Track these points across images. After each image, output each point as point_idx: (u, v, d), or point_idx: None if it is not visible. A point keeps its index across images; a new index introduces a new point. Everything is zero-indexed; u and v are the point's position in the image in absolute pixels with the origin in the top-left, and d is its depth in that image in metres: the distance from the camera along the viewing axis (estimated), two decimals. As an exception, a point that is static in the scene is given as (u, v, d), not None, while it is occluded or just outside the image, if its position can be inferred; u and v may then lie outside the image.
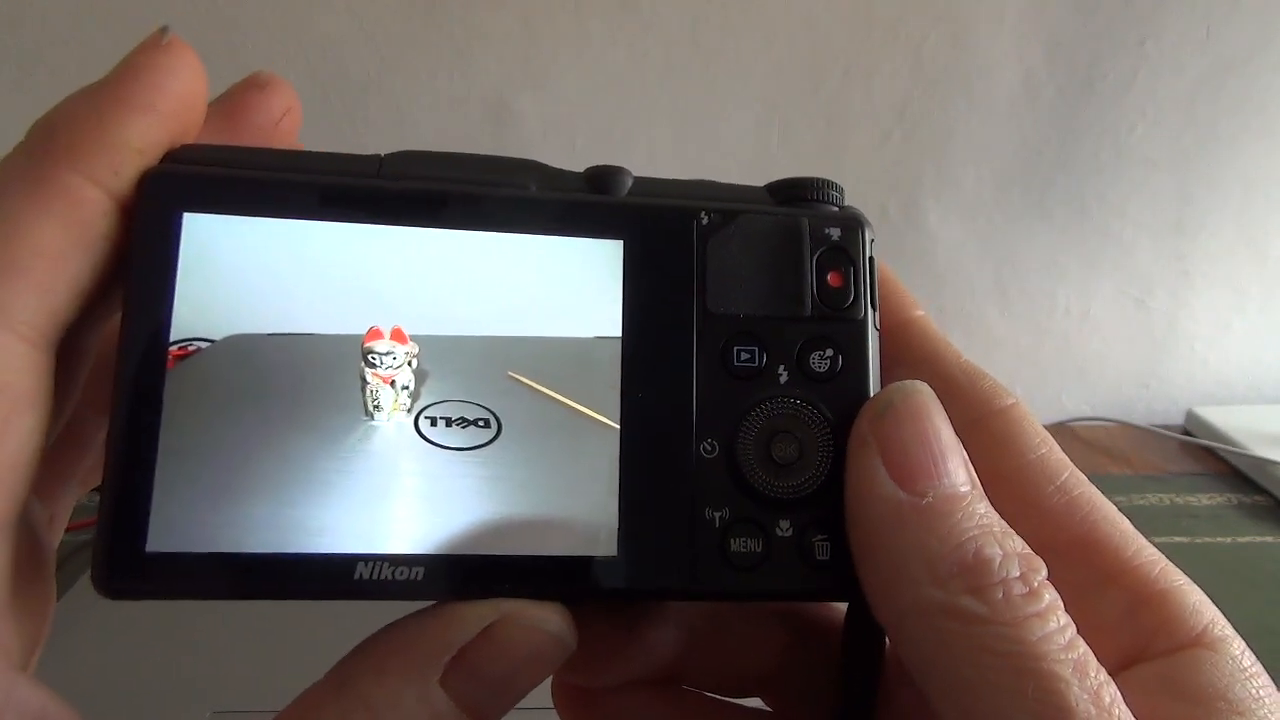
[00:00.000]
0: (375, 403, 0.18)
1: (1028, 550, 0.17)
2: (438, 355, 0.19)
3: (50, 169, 0.16)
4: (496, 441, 0.18)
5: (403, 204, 0.18)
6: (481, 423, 0.18)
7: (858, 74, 0.68)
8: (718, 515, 0.18)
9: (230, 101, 0.19)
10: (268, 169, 0.18)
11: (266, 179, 0.18)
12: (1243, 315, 0.77)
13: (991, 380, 0.20)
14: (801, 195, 0.20)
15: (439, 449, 0.18)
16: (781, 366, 0.19)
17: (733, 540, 0.18)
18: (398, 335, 0.18)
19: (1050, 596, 0.16)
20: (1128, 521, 0.19)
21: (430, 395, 0.18)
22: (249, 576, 0.17)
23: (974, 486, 0.17)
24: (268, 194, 0.18)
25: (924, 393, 0.18)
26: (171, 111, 0.17)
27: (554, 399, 0.19)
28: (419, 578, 0.17)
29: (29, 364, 0.16)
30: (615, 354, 0.19)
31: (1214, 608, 0.17)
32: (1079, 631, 0.16)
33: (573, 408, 0.19)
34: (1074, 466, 0.19)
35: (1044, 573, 0.17)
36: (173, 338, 0.17)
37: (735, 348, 0.19)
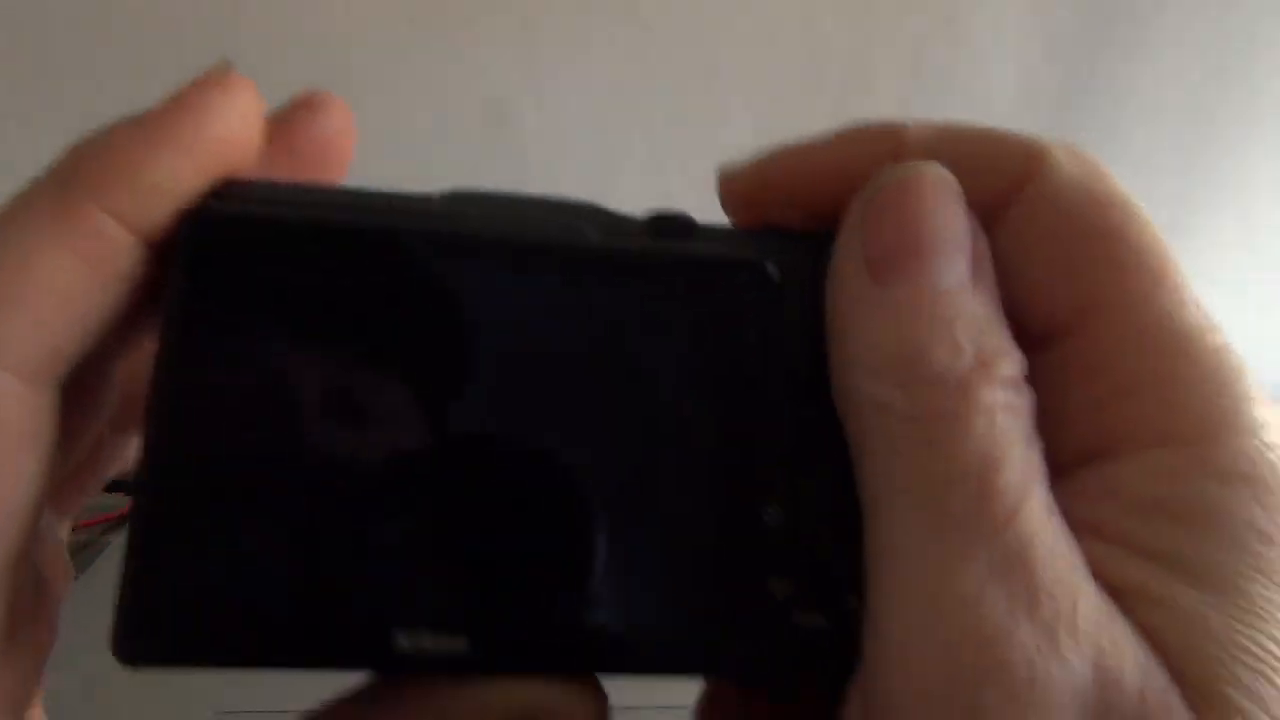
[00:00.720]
0: None
1: (1000, 345, 0.15)
2: None
3: (73, 202, 0.16)
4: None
5: (452, 248, 0.17)
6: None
7: (858, 74, 0.68)
8: (782, 587, 0.17)
9: (280, 123, 0.18)
10: (313, 207, 0.17)
11: (310, 220, 0.17)
12: (1243, 315, 0.77)
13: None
14: None
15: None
16: None
17: (798, 614, 0.17)
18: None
19: (994, 397, 0.14)
20: (1174, 267, 0.15)
21: None
22: (280, 645, 0.16)
23: (968, 283, 0.15)
24: (311, 236, 0.17)
25: (924, 173, 0.16)
26: (214, 154, 0.17)
27: None
28: (462, 649, 0.16)
29: (27, 403, 0.15)
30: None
31: (1231, 397, 0.14)
32: (1053, 422, 0.15)
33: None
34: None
35: (1009, 369, 0.15)
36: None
37: (805, 409, 0.18)
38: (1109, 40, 0.68)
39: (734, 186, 0.20)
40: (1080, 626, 0.13)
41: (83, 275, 0.15)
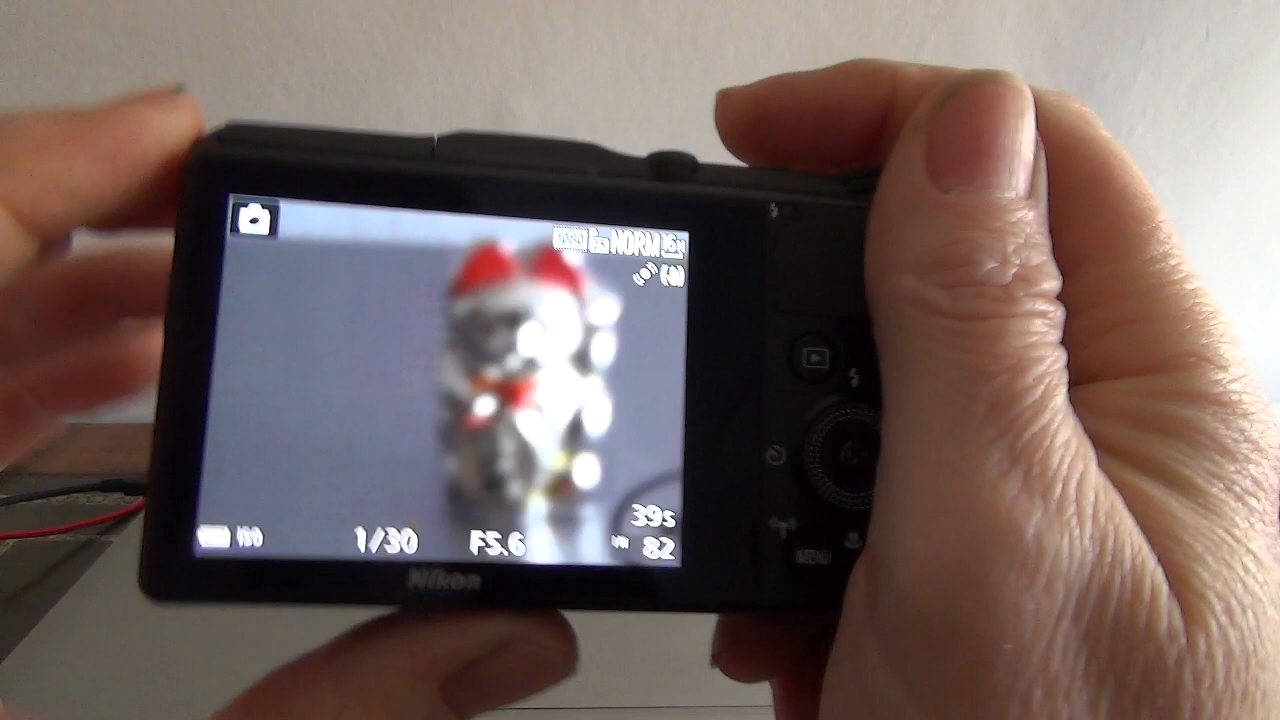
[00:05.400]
0: (510, 467, 0.17)
1: (1042, 264, 0.16)
2: None
3: None
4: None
5: (454, 190, 0.17)
6: None
7: (858, 74, 0.68)
8: (784, 526, 0.18)
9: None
10: (318, 150, 0.17)
11: (314, 163, 0.17)
12: (1243, 315, 0.77)
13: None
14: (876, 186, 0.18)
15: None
16: (853, 369, 0.18)
17: (799, 552, 0.18)
18: (551, 264, 0.18)
19: (1033, 306, 0.15)
20: (1159, 215, 0.16)
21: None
22: (299, 583, 0.17)
23: (1025, 197, 0.16)
24: (315, 178, 0.17)
25: (1003, 84, 0.17)
26: (133, 169, 0.17)
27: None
28: (475, 586, 0.17)
29: None
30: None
31: (1206, 335, 0.15)
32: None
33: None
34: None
35: (1046, 286, 0.16)
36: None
37: (805, 349, 0.18)
38: (1109, 40, 0.68)
39: (732, 111, 0.20)
40: (1087, 511, 0.14)
41: None
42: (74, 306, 0.21)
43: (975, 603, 0.14)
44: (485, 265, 0.17)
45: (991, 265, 0.15)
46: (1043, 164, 0.17)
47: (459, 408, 0.17)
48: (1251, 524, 0.15)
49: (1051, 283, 0.16)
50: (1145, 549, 0.14)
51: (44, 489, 0.57)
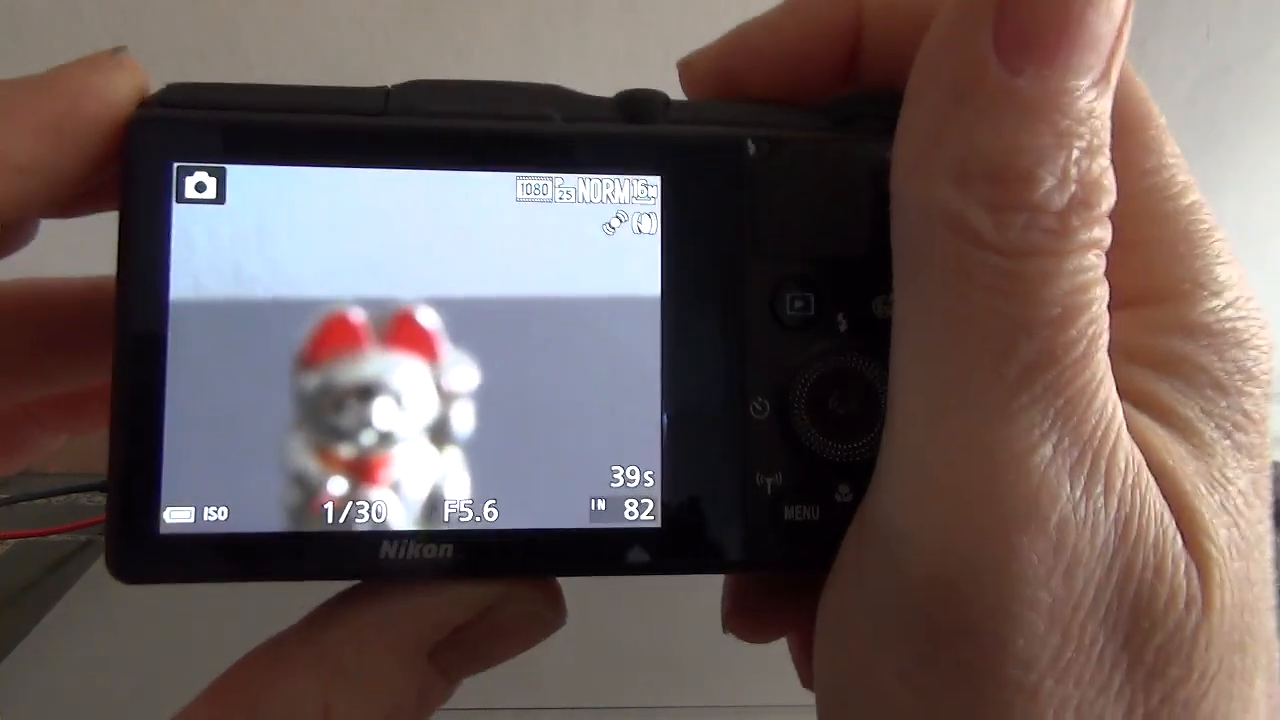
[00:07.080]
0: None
1: (1101, 178, 0.13)
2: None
3: None
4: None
5: (408, 144, 0.16)
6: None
7: (858, 74, 0.68)
8: (770, 481, 0.17)
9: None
10: (264, 109, 0.17)
11: (259, 122, 0.16)
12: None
13: None
14: (867, 114, 0.17)
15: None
16: (841, 314, 0.17)
17: (787, 507, 0.17)
18: (406, 333, 0.17)
19: (1089, 235, 0.13)
20: (1155, 126, 0.15)
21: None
22: (268, 559, 0.16)
23: (1096, 82, 0.13)
24: (262, 138, 0.16)
25: None
26: (79, 138, 0.16)
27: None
28: (448, 555, 0.16)
29: None
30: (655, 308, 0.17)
31: (1203, 258, 0.14)
32: None
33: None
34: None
35: (1105, 206, 0.13)
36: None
37: (788, 295, 0.17)
38: (1109, 40, 0.68)
39: (696, 73, 0.19)
40: (1115, 485, 0.13)
41: None
42: (75, 331, 0.20)
43: (990, 598, 0.13)
44: (334, 335, 0.16)
45: (1050, 184, 0.13)
46: (1126, 38, 0.13)
47: (310, 487, 0.16)
48: (1239, 461, 0.14)
49: (1110, 199, 0.13)
50: (1166, 515, 0.13)
51: (44, 489, 0.57)
